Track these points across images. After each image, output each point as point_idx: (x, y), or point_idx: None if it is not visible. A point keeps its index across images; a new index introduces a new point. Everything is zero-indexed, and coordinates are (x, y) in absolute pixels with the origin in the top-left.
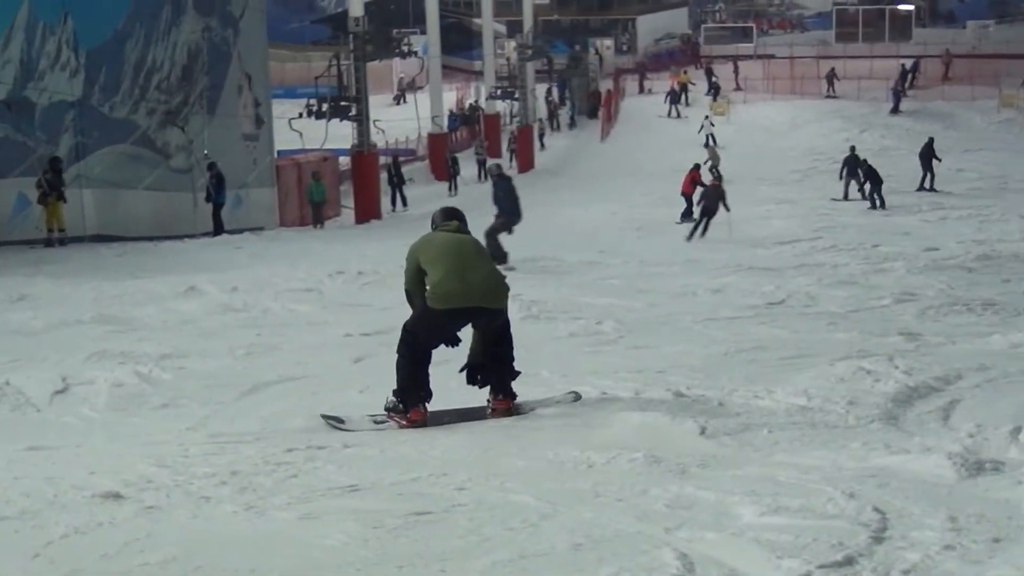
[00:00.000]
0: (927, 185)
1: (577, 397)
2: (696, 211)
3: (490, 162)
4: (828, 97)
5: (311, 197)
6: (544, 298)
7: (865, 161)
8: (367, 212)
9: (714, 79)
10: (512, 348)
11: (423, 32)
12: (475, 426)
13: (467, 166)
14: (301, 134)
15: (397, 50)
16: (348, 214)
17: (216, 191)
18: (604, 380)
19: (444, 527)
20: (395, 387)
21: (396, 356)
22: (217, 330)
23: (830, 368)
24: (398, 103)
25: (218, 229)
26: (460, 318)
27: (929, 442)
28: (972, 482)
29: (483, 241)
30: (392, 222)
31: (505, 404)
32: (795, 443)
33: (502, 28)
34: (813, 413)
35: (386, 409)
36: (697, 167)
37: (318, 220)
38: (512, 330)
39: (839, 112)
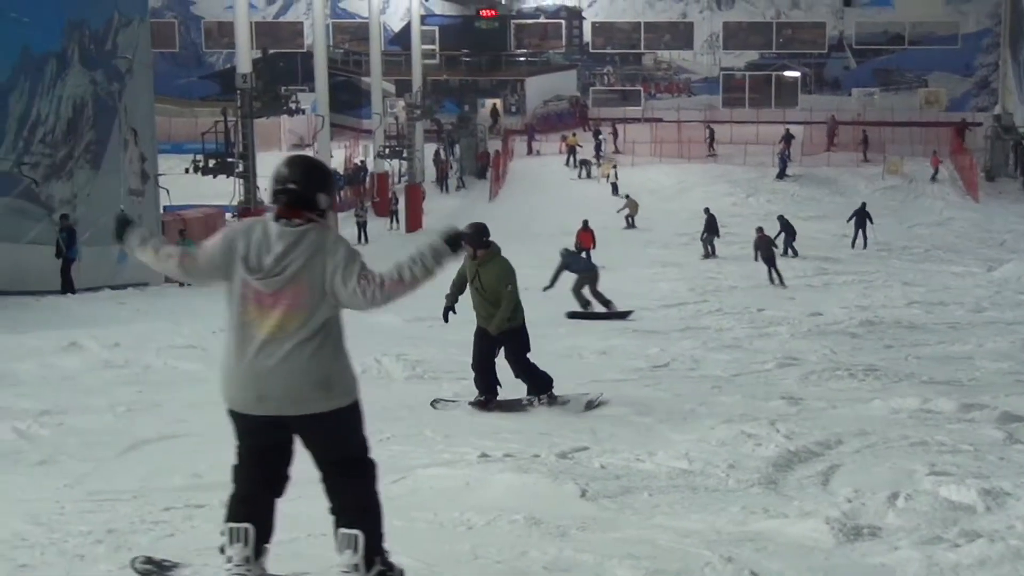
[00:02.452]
0: (861, 245)
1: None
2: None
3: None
4: (709, 156)
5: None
6: (428, 358)
7: (785, 220)
8: None
9: (600, 138)
10: None
11: (312, 90)
12: None
13: (347, 226)
14: (168, 191)
15: (285, 107)
16: None
17: (67, 245)
18: (486, 440)
19: None
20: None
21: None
22: (98, 386)
23: (712, 431)
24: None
25: (67, 286)
26: None
27: (808, 507)
28: (849, 547)
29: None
30: None
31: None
32: (675, 506)
33: (391, 87)
34: (694, 476)
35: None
36: (586, 223)
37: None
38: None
39: (725, 176)
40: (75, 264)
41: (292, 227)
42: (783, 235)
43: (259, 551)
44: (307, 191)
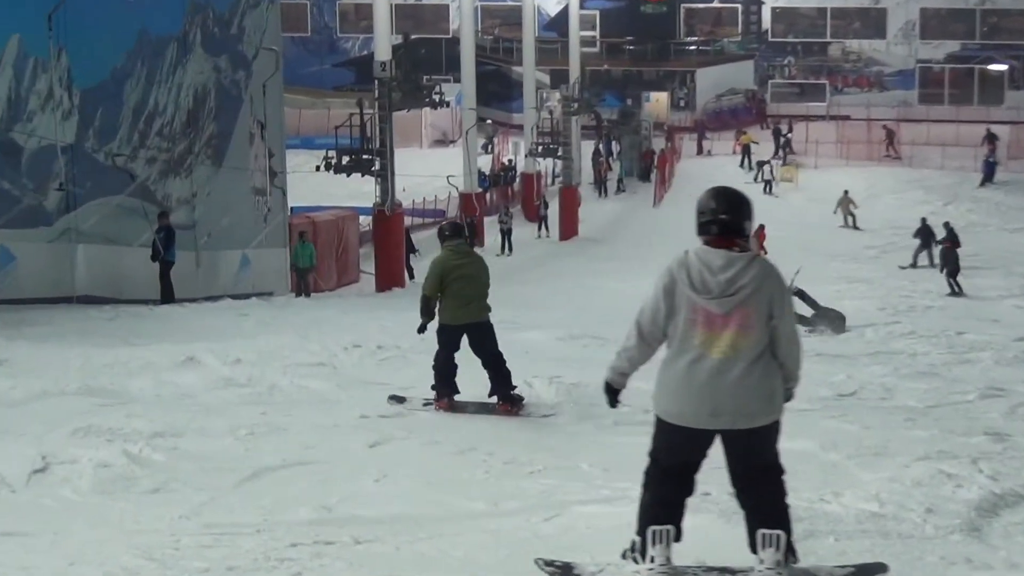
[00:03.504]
0: None
1: None
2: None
3: None
4: (887, 157)
5: (296, 262)
6: (586, 381)
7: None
8: (389, 279)
9: (786, 136)
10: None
11: (457, 80)
12: (502, 523)
13: (490, 233)
14: (283, 191)
15: (427, 99)
16: (368, 280)
17: (164, 246)
18: None
19: None
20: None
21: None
22: (217, 406)
23: (906, 470)
24: (487, 151)
25: (167, 294)
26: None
27: (1016, 558)
28: None
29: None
30: (415, 291)
31: (504, 408)
32: (865, 554)
33: (545, 78)
34: (886, 521)
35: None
36: (763, 227)
37: (304, 289)
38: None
39: (920, 181)
40: (174, 268)
41: (737, 254)
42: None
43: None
44: (735, 220)
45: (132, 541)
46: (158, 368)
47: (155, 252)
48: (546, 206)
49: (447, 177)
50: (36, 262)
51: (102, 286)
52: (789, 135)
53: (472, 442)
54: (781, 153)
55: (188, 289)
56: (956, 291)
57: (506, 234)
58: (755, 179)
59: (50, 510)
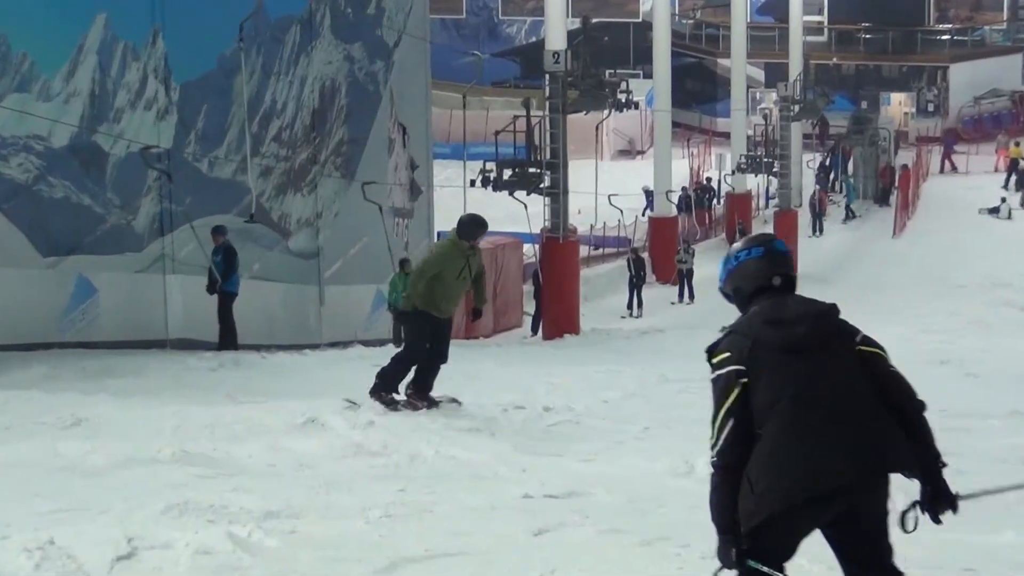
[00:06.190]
0: None
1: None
2: None
3: None
4: None
5: (393, 300)
6: None
7: None
8: (560, 323)
9: None
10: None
11: (648, 75)
12: None
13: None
14: (380, 207)
15: (611, 99)
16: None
17: (223, 273)
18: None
19: None
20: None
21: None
22: (344, 480)
23: None
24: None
25: (227, 337)
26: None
27: None
28: None
29: None
30: (592, 338)
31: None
32: None
33: (759, 74)
34: None
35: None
36: None
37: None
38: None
39: None
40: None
41: None
42: None
43: None
44: None
45: None
46: (272, 431)
47: (211, 280)
48: (743, 235)
49: (608, 197)
50: (122, 297)
51: (202, 327)
52: None
53: (662, 530)
54: None
55: (309, 333)
56: None
57: (686, 276)
58: (1021, 203)
59: None
